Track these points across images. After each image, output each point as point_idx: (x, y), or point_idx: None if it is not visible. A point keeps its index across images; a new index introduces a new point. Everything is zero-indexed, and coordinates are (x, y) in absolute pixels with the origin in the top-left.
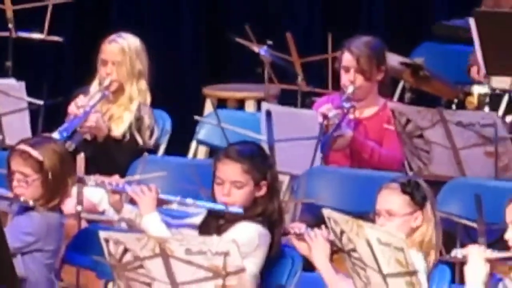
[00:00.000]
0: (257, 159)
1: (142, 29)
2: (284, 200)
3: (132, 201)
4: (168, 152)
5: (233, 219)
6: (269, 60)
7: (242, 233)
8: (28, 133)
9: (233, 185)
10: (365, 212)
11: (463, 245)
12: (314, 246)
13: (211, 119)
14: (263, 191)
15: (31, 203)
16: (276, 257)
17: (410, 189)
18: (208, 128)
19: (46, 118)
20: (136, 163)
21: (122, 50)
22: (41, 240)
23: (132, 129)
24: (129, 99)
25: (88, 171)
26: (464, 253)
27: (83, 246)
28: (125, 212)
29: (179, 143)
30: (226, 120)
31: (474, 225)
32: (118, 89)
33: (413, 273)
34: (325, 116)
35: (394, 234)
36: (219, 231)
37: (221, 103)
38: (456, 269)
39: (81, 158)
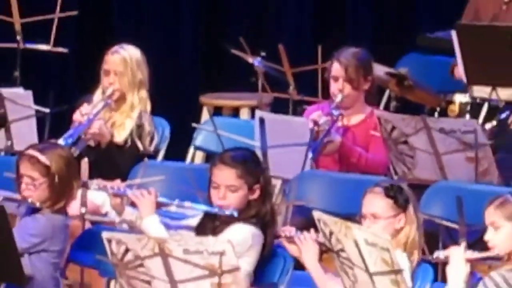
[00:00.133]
0: (251, 165)
1: (143, 41)
2: (276, 203)
3: (133, 204)
4: (167, 157)
5: (228, 220)
6: (262, 70)
7: (236, 234)
8: (35, 139)
9: (228, 189)
10: (353, 214)
11: (445, 245)
12: (304, 248)
13: (207, 126)
14: (256, 194)
15: (38, 205)
16: (269, 256)
17: (393, 193)
18: (205, 134)
19: (52, 125)
20: (137, 168)
21: (123, 60)
22: (47, 241)
23: (133, 135)
24: (130, 107)
25: (92, 175)
26: (446, 254)
27: (87, 245)
28: (126, 214)
29: (177, 149)
30: (222, 127)
31: (456, 226)
32: (120, 97)
33: (398, 271)
34: (315, 123)
35: (380, 235)
36: (215, 232)
37: (217, 111)
38: (439, 268)
39: (85, 162)
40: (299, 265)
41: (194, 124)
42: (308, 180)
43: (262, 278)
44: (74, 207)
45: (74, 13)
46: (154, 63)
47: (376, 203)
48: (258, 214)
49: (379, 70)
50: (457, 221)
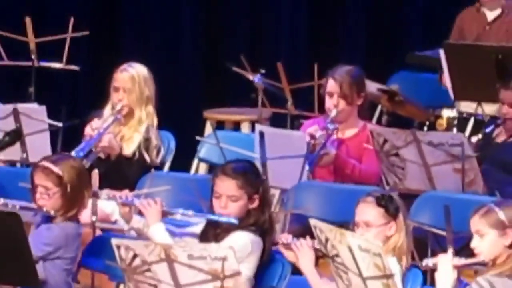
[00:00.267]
0: (250, 176)
1: (149, 60)
2: (275, 211)
3: (141, 213)
4: (172, 168)
5: (229, 228)
6: (262, 87)
7: (237, 241)
8: (48, 152)
9: (229, 198)
10: (347, 222)
11: (433, 251)
12: (300, 254)
13: (210, 139)
14: (255, 203)
15: (52, 213)
16: (268, 262)
17: (384, 202)
18: (208, 147)
19: (64, 138)
20: (144, 178)
21: (132, 78)
22: (60, 249)
23: (141, 148)
24: (138, 122)
25: (102, 185)
26: (434, 262)
27: (97, 251)
28: (134, 222)
29: (182, 161)
30: (224, 140)
31: (443, 233)
32: (129, 113)
33: (389, 276)
34: (312, 137)
35: (373, 241)
36: (217, 239)
37: (219, 125)
38: (428, 272)
39: (95, 173)
40: (296, 270)
41: (198, 138)
42: (305, 190)
43: (261, 282)
44: (85, 215)
45: (85, 33)
46: (160, 80)
47: (368, 212)
48: (257, 222)
49: (372, 86)
50: (445, 229)
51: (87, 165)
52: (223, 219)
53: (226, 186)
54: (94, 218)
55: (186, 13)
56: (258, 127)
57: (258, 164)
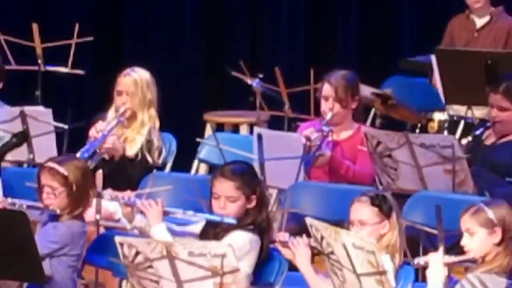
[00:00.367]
0: (248, 177)
1: (151, 65)
2: (272, 210)
3: (143, 212)
4: (173, 169)
5: (228, 228)
6: (260, 90)
7: (236, 240)
8: (54, 153)
9: (227, 199)
10: (342, 220)
11: (425, 249)
12: (297, 252)
13: (210, 141)
14: (253, 203)
15: (58, 212)
16: (266, 259)
17: (378, 201)
18: (208, 148)
19: (70, 140)
20: (146, 179)
21: (134, 82)
22: (66, 247)
23: (144, 149)
24: (141, 124)
25: (106, 185)
26: (425, 260)
27: (101, 249)
28: (136, 221)
29: (183, 162)
30: (223, 141)
31: (435, 231)
32: (132, 115)
33: (382, 272)
34: (308, 139)
35: (367, 239)
36: (216, 238)
37: (219, 127)
38: (420, 269)
39: (99, 174)
40: (293, 267)
41: (198, 139)
42: (301, 190)
43: (259, 279)
44: (89, 214)
45: (90, 39)
46: (162, 84)
47: (362, 211)
48: (255, 221)
49: (366, 90)
50: (436, 227)
51: (91, 166)
52: (222, 219)
53: (224, 187)
54: (98, 217)
55: (187, 21)
56: (256, 129)
57: (256, 165)
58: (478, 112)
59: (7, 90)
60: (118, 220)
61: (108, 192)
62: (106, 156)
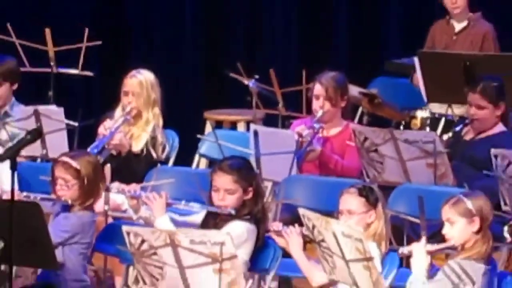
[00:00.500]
0: (244, 171)
1: (155, 67)
2: (268, 202)
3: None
4: (176, 163)
5: (226, 218)
6: (256, 90)
7: (234, 229)
8: (66, 149)
9: (226, 192)
10: (332, 211)
11: (409, 237)
12: (290, 240)
13: (210, 137)
14: (250, 195)
15: (70, 202)
16: (262, 246)
17: (365, 192)
18: (208, 144)
19: (80, 137)
20: (151, 172)
21: (140, 83)
22: (77, 235)
23: (148, 145)
24: (145, 122)
25: (114, 178)
26: (409, 250)
27: (109, 237)
28: (142, 212)
29: (185, 156)
30: (222, 138)
31: (418, 221)
32: (137, 114)
33: (369, 259)
34: (300, 135)
35: (355, 228)
36: (216, 228)
37: (218, 125)
38: (404, 257)
39: (108, 168)
40: (287, 254)
41: (199, 136)
42: (294, 182)
43: (256, 265)
44: (99, 205)
45: (98, 43)
46: (165, 85)
47: (351, 201)
48: (252, 212)
49: (354, 90)
50: (419, 217)
51: (100, 161)
52: (221, 210)
53: (223, 180)
54: (106, 208)
55: (187, 25)
56: (252, 126)
57: (252, 159)
58: (458, 110)
59: (22, 91)
60: (125, 211)
61: (116, 185)
62: (114, 152)
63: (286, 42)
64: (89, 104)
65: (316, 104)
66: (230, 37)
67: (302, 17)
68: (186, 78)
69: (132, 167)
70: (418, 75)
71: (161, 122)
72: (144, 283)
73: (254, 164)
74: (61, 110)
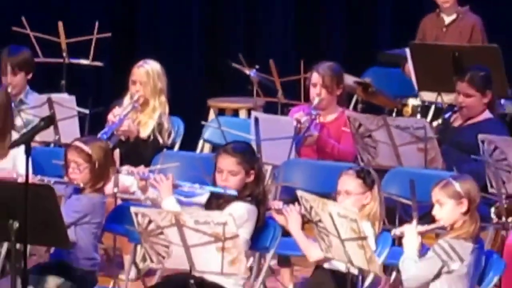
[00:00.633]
0: (247, 154)
1: (162, 57)
2: (268, 184)
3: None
4: (181, 148)
5: (229, 199)
6: (257, 80)
7: (236, 210)
8: (77, 134)
9: (229, 173)
10: (328, 193)
11: (400, 218)
12: (290, 218)
13: (213, 124)
14: (251, 178)
15: (81, 185)
16: (262, 226)
17: (363, 175)
18: (211, 130)
19: (91, 123)
20: (158, 157)
21: (147, 73)
22: (88, 215)
23: (155, 131)
24: (152, 109)
25: (123, 163)
26: (401, 231)
27: (118, 218)
28: (149, 193)
29: (189, 142)
30: (225, 124)
31: (409, 202)
32: (144, 102)
33: (363, 238)
34: (298, 121)
35: (350, 209)
36: (219, 208)
37: (221, 112)
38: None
39: (117, 153)
40: (285, 233)
41: (203, 122)
42: (293, 166)
43: (257, 244)
44: (108, 187)
45: (108, 34)
46: (171, 74)
47: (349, 182)
48: (253, 193)
49: (349, 79)
50: (410, 199)
51: (110, 146)
52: (224, 191)
53: (227, 162)
54: (116, 190)
55: (193, 21)
56: (253, 113)
57: (253, 144)
58: (447, 98)
59: (36, 80)
60: (133, 193)
61: (125, 168)
62: (123, 138)
63: (284, 35)
64: (99, 92)
65: (313, 92)
66: (233, 30)
67: (300, 12)
68: (191, 68)
69: (140, 152)
70: (410, 65)
71: (167, 110)
72: (151, 261)
73: (255, 148)
74: (72, 98)
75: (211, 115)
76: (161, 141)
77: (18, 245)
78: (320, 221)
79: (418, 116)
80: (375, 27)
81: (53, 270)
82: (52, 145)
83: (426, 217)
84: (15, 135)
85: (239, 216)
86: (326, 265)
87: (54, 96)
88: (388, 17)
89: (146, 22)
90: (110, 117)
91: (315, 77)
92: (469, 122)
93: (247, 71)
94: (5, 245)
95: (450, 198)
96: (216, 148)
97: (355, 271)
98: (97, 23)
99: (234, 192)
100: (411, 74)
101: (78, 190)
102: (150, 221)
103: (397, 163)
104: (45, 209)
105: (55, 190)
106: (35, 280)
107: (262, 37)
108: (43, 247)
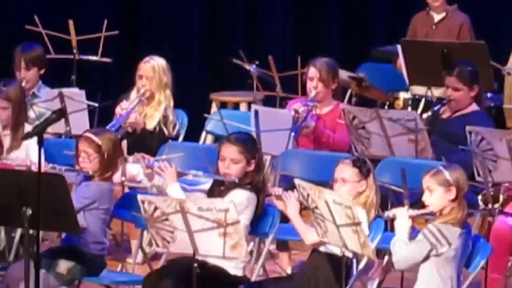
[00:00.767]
0: (249, 144)
1: (167, 54)
2: (267, 173)
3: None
4: (185, 139)
5: (230, 187)
6: (256, 75)
7: (236, 197)
8: (87, 126)
9: (231, 161)
10: (324, 181)
11: (392, 204)
12: (289, 204)
13: (215, 116)
14: (252, 167)
15: (91, 173)
16: (261, 213)
17: (358, 164)
18: (214, 122)
19: (99, 116)
20: (163, 147)
21: (153, 68)
22: (97, 201)
23: (160, 124)
24: (158, 103)
25: (129, 153)
26: (393, 213)
27: (126, 205)
28: (155, 180)
29: (193, 133)
30: (226, 117)
31: (401, 190)
32: (150, 96)
33: (357, 223)
34: (296, 111)
35: (345, 196)
36: (221, 195)
37: (222, 105)
38: (388, 222)
39: (124, 144)
40: (284, 220)
41: (205, 115)
42: (291, 156)
43: (256, 229)
44: (116, 177)
45: (116, 32)
46: (176, 70)
47: (345, 170)
48: (253, 182)
49: (343, 74)
50: (402, 186)
51: (118, 138)
52: (226, 178)
53: (229, 151)
54: (123, 179)
55: (195, 19)
56: (253, 106)
57: (253, 135)
58: (436, 91)
59: (48, 75)
60: (140, 182)
61: (132, 156)
62: (130, 129)
63: (283, 33)
64: (107, 87)
65: (310, 85)
66: (233, 28)
67: (297, 11)
68: (194, 64)
69: (146, 143)
70: (401, 61)
71: (172, 103)
72: (157, 245)
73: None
74: (82, 92)
75: (213, 108)
76: (166, 132)
77: (31, 231)
78: (316, 207)
79: (409, 108)
80: (369, 26)
81: (64, 254)
82: (63, 136)
83: (417, 204)
84: (28, 127)
85: (240, 203)
86: (322, 249)
87: (65, 90)
88: (381, 16)
89: (151, 21)
90: (118, 110)
91: (312, 71)
92: (457, 114)
93: (247, 67)
94: (19, 231)
95: (440, 186)
96: (218, 139)
97: (349, 255)
98: (105, 22)
99: (235, 180)
100: (403, 69)
101: (87, 178)
102: (156, 208)
103: (389, 153)
104: (57, 197)
105: (66, 178)
106: (47, 264)
107: (261, 35)
108: (55, 233)
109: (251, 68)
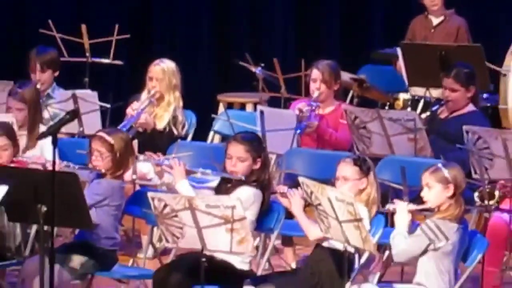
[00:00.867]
0: (255, 143)
1: (176, 57)
2: (272, 171)
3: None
4: (194, 138)
5: (237, 184)
6: (262, 76)
7: (243, 194)
8: (99, 127)
9: (238, 159)
10: (327, 179)
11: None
12: (293, 201)
13: (223, 116)
14: (258, 165)
15: (103, 171)
16: (267, 210)
17: (359, 162)
18: (221, 122)
19: (111, 117)
20: (172, 146)
21: (163, 70)
22: (108, 198)
23: (170, 124)
24: (167, 104)
25: (140, 152)
26: (393, 207)
27: (137, 202)
28: (165, 178)
29: (201, 133)
30: (233, 117)
31: (400, 187)
32: (160, 97)
33: (359, 220)
34: (300, 110)
35: (347, 193)
36: (228, 192)
37: (229, 106)
38: (389, 217)
39: (135, 144)
40: (289, 216)
41: (213, 115)
42: (295, 154)
43: (262, 225)
44: (127, 175)
45: (127, 36)
46: (185, 72)
47: (346, 169)
48: (259, 179)
49: (345, 76)
50: (401, 184)
51: (130, 137)
52: (233, 176)
53: (236, 149)
54: (134, 177)
55: (204, 23)
56: (259, 107)
57: (259, 135)
58: (435, 92)
59: (62, 77)
60: (150, 180)
61: (142, 155)
62: (140, 129)
63: (287, 37)
64: (119, 88)
65: (313, 86)
66: (240, 33)
67: (300, 16)
68: (202, 66)
69: (156, 142)
70: (401, 63)
71: (181, 104)
72: (167, 241)
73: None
74: (95, 94)
75: (221, 108)
76: (175, 132)
77: (46, 227)
78: (319, 204)
79: (409, 109)
80: (369, 29)
81: (77, 249)
82: (76, 136)
83: (416, 201)
84: (42, 128)
85: (246, 199)
86: (325, 244)
87: (78, 92)
88: (381, 19)
89: (161, 26)
90: (129, 111)
91: (315, 73)
92: (455, 114)
93: (253, 69)
94: (34, 227)
95: (438, 183)
96: (225, 139)
97: (351, 250)
98: (117, 26)
99: (242, 177)
100: (402, 71)
101: (99, 176)
102: (165, 205)
103: (389, 152)
104: (70, 194)
105: (79, 176)
106: (61, 259)
107: (267, 39)
108: (69, 229)
109: (257, 70)
